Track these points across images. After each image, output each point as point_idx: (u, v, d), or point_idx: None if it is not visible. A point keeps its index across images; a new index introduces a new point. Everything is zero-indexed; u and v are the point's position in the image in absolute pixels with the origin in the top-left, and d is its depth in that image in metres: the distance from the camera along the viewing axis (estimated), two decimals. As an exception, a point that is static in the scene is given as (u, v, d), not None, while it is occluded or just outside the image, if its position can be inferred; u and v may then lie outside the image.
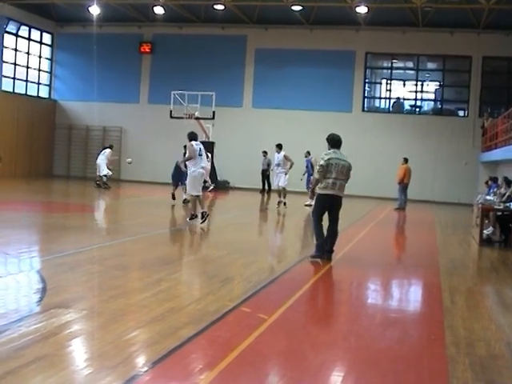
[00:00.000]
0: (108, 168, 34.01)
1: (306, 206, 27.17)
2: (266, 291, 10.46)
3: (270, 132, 38.10)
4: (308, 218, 23.31)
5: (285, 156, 26.70)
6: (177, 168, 24.21)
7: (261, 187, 36.19)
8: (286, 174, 26.78)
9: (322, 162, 13.16)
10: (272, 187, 32.99)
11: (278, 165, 26.89)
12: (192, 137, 18.61)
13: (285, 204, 26.31)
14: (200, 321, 8.20)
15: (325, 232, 13.48)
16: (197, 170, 18.18)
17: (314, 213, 13.66)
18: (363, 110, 38.98)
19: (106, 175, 33.30)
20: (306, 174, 29.08)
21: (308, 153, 28.93)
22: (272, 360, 7.19)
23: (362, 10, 35.05)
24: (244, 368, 6.70)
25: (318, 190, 13.45)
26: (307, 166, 28.72)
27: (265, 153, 35.87)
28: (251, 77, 39.99)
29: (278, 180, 26.95)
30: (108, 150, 33.92)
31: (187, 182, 18.55)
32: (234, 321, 8.58)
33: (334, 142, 13.47)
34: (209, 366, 6.65)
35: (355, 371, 6.93)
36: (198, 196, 18.41)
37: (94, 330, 7.77)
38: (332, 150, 13.34)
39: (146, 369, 6.44)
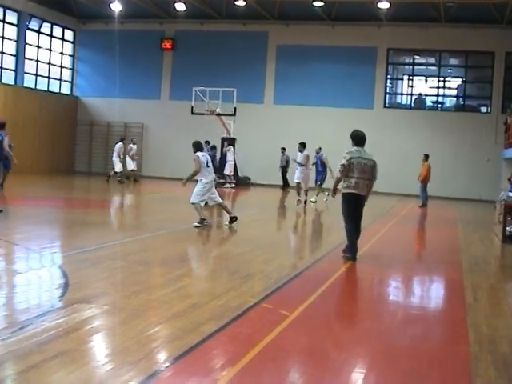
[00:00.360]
0: (131, 160, 34.18)
1: (312, 202, 26.64)
2: (287, 287, 10.44)
3: (291, 128, 38.05)
4: (328, 215, 23.29)
5: (305, 155, 26.28)
6: None
7: (281, 184, 36.27)
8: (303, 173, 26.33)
9: (343, 162, 12.83)
10: (290, 184, 32.83)
11: (302, 164, 26.30)
12: (198, 147, 17.54)
13: (305, 202, 25.65)
14: (221, 317, 8.20)
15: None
16: (209, 181, 17.35)
17: (343, 213, 13.33)
18: (385, 107, 38.82)
19: (116, 172, 33.26)
20: (315, 171, 28.29)
21: (319, 148, 28.32)
22: (294, 356, 7.17)
23: (383, 5, 34.91)
24: (265, 364, 6.69)
25: (341, 189, 13.20)
26: (316, 163, 27.99)
27: (283, 149, 35.87)
28: (272, 73, 39.92)
29: (300, 177, 26.28)
30: (118, 145, 33.90)
31: (195, 189, 17.42)
32: (256, 317, 8.57)
33: (358, 139, 13.12)
34: (230, 362, 6.64)
35: (377, 369, 6.90)
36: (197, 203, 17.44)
37: (116, 326, 7.79)
38: (355, 148, 13.02)
39: (167, 364, 6.44)
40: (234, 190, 33.43)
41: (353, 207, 13.10)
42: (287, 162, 35.23)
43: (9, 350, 6.56)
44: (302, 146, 26.46)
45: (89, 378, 5.99)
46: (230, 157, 35.61)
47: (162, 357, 6.75)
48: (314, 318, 8.77)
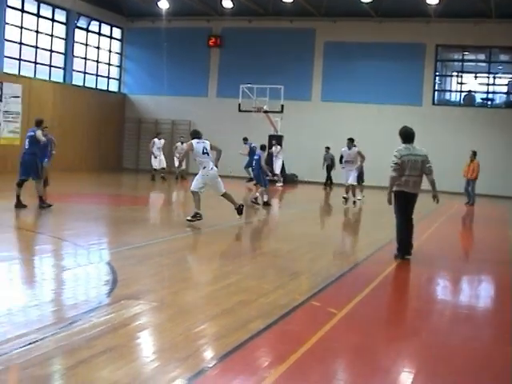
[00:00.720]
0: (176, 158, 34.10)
1: (358, 200, 25.01)
2: (335, 285, 10.38)
3: (338, 126, 37.89)
4: (373, 213, 23.08)
5: (358, 152, 24.21)
6: (261, 168, 22.26)
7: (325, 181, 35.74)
8: (356, 171, 24.32)
9: (395, 160, 12.48)
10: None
11: (349, 161, 24.31)
12: (193, 135, 17.15)
13: (354, 202, 24.27)
14: (269, 314, 8.16)
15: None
16: (210, 171, 16.77)
17: (395, 212, 13.01)
18: (433, 104, 38.45)
19: (155, 169, 33.27)
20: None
21: (352, 142, 26.85)
22: (342, 355, 7.12)
23: (432, 1, 34.54)
24: (313, 363, 6.63)
25: (393, 187, 12.82)
26: None
27: (327, 148, 35.23)
28: (320, 70, 39.77)
29: (348, 176, 24.17)
30: (152, 141, 34.03)
31: (196, 176, 17.01)
32: (304, 315, 8.53)
33: (407, 135, 12.82)
34: (278, 360, 6.60)
35: (427, 368, 6.81)
36: (196, 192, 16.91)
37: (164, 322, 7.80)
38: (403, 146, 12.69)
39: (215, 362, 6.42)
40: (281, 188, 33.39)
41: (404, 205, 12.82)
42: (332, 160, 34.75)
43: (58, 345, 6.61)
44: (351, 141, 24.53)
45: (137, 374, 6.00)
46: (278, 155, 35.46)
47: (209, 354, 6.74)
48: (362, 316, 8.71)
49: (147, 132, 42.48)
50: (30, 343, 6.54)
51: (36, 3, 34.94)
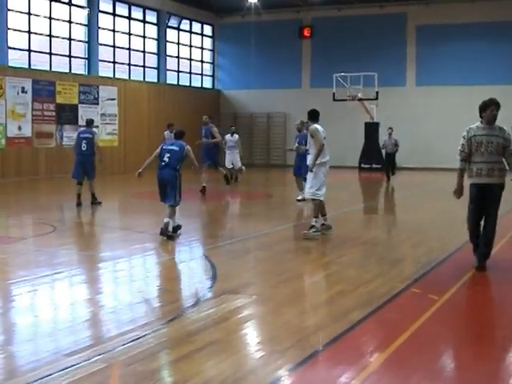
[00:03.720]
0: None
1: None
2: (436, 272, 10.23)
3: (435, 110, 37.35)
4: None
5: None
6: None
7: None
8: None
9: None
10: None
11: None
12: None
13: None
14: (370, 303, 8.11)
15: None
16: None
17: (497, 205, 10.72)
18: (533, 82, 37.47)
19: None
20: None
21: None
22: (444, 342, 7.01)
23: (527, -25, 33.63)
24: (415, 350, 6.58)
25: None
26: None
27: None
28: (413, 54, 39.23)
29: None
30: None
31: None
32: (405, 302, 8.45)
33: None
34: (379, 348, 6.59)
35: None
36: None
37: (264, 315, 7.86)
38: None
39: (316, 352, 6.43)
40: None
41: None
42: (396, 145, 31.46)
43: (160, 340, 6.74)
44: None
45: (238, 367, 6.05)
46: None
47: (309, 345, 6.71)
48: (463, 302, 8.62)
49: (243, 127, 42.64)
50: (132, 340, 6.67)
51: (127, 6, 35.52)
